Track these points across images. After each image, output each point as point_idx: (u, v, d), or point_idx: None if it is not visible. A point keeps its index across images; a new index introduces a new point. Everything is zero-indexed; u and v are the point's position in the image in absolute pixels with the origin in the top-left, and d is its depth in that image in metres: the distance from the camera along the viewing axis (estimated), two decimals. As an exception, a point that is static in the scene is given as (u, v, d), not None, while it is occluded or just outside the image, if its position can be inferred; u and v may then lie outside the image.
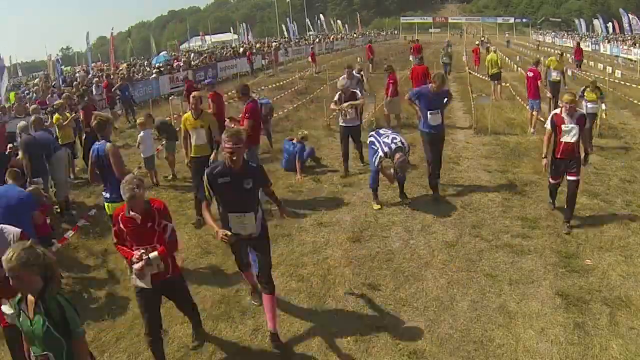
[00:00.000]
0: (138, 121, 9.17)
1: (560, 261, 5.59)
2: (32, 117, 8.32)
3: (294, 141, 9.31)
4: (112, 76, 18.29)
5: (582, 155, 7.20)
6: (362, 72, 13.14)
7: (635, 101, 13.88)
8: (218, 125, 7.12)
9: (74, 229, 7.00)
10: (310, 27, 55.57)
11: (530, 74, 11.47)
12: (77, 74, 26.12)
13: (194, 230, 6.94)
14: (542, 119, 11.60)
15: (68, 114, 10.01)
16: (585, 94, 9.64)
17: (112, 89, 16.29)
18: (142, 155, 9.16)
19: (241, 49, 33.20)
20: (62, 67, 26.29)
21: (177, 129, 9.22)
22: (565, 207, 6.42)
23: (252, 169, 4.27)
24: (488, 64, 16.19)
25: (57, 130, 9.63)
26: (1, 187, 5.33)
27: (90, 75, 22.28)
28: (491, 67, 15.95)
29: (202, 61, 26.20)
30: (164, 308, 5.05)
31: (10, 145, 8.13)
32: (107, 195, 5.53)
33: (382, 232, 6.58)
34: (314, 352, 4.33)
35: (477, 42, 22.75)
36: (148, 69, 24.13)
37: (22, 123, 8.08)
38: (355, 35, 57.72)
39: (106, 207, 5.60)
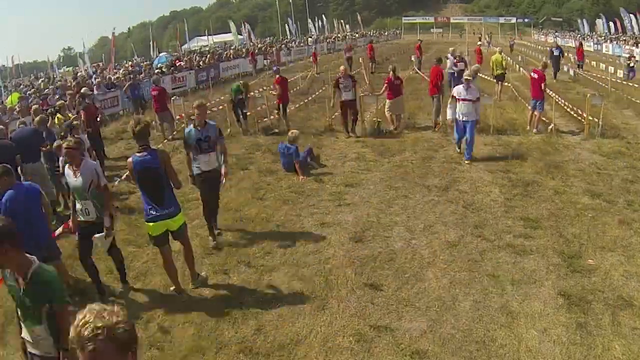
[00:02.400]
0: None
1: (563, 261, 5.59)
2: (37, 117, 8.33)
3: (287, 144, 9.30)
4: (136, 75, 18.49)
5: None
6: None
7: (637, 101, 13.83)
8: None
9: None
10: (312, 28, 55.46)
11: (535, 75, 11.41)
12: (77, 74, 26.15)
13: (195, 230, 6.95)
14: (545, 119, 11.60)
15: (70, 115, 10.04)
16: None
17: (124, 89, 16.55)
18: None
19: (244, 49, 33.14)
20: (65, 68, 26.30)
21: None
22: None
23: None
24: (493, 65, 16.20)
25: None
26: (11, 191, 4.83)
27: (94, 76, 22.34)
28: (496, 68, 15.95)
29: (204, 61, 26.22)
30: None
31: None
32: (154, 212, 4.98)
33: (384, 232, 6.59)
34: (315, 352, 4.33)
35: (478, 42, 22.77)
36: (150, 70, 24.15)
37: None
38: (356, 35, 57.61)
39: (150, 227, 5.10)
